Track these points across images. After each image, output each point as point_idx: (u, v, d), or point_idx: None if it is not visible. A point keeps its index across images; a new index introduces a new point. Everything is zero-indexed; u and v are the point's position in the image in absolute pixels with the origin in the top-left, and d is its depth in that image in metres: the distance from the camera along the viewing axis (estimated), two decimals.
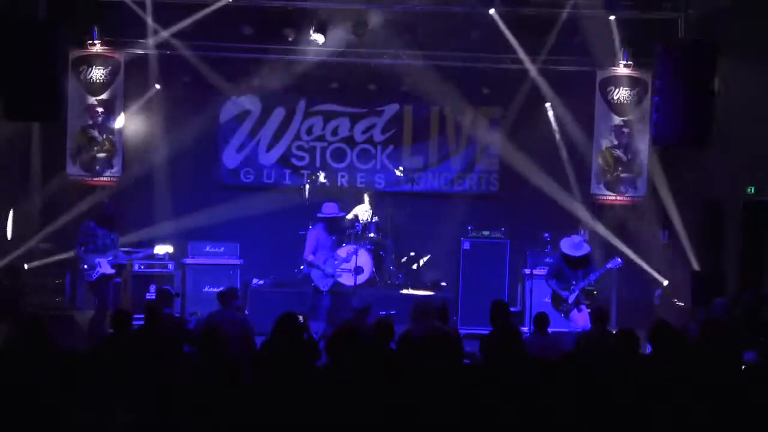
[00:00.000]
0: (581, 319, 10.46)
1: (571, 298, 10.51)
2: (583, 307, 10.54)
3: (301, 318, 7.82)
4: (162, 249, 11.45)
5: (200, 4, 12.49)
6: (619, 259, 10.77)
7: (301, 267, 11.94)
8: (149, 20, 12.50)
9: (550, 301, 10.72)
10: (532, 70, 13.10)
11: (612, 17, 12.33)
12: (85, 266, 10.63)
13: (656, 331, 7.27)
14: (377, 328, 7.52)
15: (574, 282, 10.50)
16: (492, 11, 12.36)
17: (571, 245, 10.68)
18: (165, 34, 12.65)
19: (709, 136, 11.21)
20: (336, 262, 11.21)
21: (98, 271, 10.58)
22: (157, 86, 13.24)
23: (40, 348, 6.61)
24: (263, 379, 6.83)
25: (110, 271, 10.70)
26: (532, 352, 7.98)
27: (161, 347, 7.62)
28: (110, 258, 10.66)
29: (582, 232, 12.67)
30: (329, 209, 11.21)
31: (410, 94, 13.84)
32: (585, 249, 10.64)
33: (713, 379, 6.50)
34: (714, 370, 6.74)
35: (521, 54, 12.89)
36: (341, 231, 12.15)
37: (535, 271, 12.18)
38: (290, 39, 12.94)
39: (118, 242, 10.96)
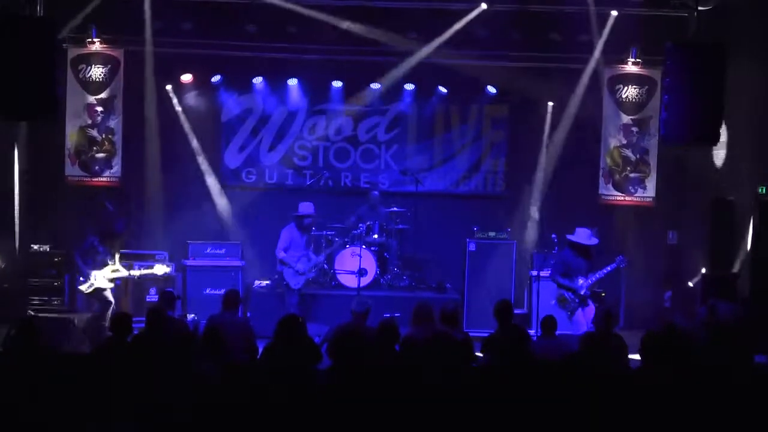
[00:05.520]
0: (585, 319, 10.31)
1: (583, 290, 10.31)
2: (590, 302, 10.38)
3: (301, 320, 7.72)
4: (161, 269, 11.34)
5: (202, 2, 12.35)
6: (624, 258, 10.58)
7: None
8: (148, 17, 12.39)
9: (555, 302, 10.53)
10: (540, 68, 12.96)
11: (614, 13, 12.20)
12: (81, 278, 10.87)
13: (665, 334, 7.17)
14: (382, 330, 7.39)
15: (581, 280, 10.34)
16: (483, 6, 12.27)
17: (580, 235, 10.55)
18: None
19: (718, 135, 11.09)
20: (309, 261, 11.64)
21: (92, 285, 10.77)
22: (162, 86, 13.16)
23: (32, 351, 6.50)
24: (266, 383, 6.71)
25: (106, 285, 10.87)
26: (539, 354, 7.81)
27: (163, 352, 7.50)
28: (106, 273, 10.80)
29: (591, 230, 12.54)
30: (304, 209, 11.70)
31: (415, 92, 13.70)
32: (594, 240, 10.51)
33: (722, 382, 6.45)
34: (723, 372, 6.65)
35: (528, 52, 12.74)
36: (311, 230, 12.08)
37: (542, 273, 12.00)
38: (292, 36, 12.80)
39: (116, 257, 11.04)
